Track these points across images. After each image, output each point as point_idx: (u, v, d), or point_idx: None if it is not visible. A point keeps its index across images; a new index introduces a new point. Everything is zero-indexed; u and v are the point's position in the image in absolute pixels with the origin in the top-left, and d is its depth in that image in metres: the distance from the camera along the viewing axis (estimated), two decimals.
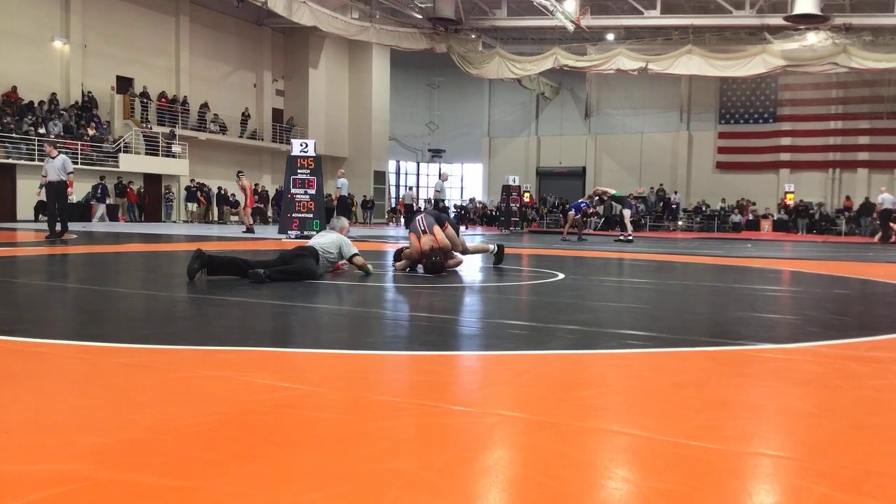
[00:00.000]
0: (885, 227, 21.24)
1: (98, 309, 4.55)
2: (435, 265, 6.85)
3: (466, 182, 43.49)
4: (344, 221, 7.13)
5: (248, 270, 5.91)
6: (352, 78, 36.91)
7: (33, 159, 23.26)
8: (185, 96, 29.97)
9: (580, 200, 19.31)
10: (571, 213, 18.03)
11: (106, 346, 3.24)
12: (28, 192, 23.16)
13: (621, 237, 17.47)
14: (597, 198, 18.75)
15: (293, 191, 14.88)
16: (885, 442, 2.08)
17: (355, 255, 6.65)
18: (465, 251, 7.75)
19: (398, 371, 3.04)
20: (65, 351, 3.14)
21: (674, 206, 33.50)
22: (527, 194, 31.93)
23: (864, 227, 27.98)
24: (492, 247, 8.14)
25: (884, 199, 21.31)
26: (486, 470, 1.77)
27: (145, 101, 28.09)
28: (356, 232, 20.44)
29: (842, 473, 1.79)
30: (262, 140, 33.37)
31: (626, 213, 17.97)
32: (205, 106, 30.72)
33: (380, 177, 37.83)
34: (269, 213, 29.37)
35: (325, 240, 6.67)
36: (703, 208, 33.92)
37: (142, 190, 27.25)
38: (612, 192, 18.02)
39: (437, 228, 7.08)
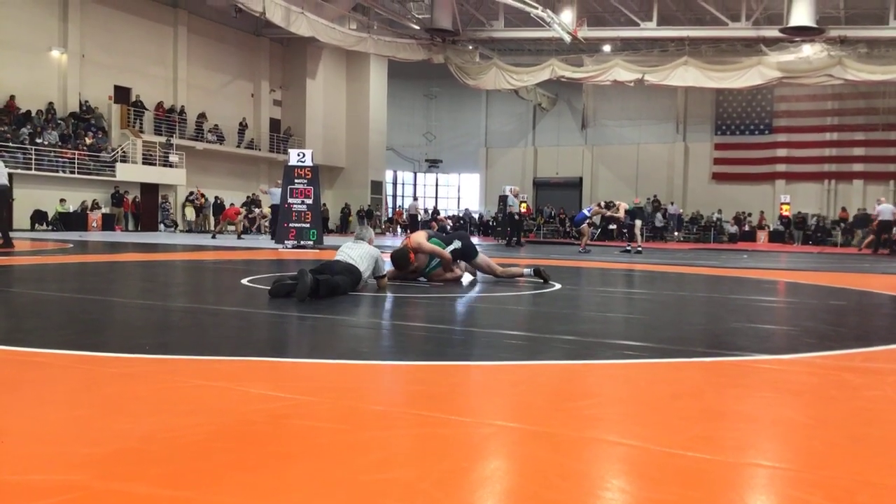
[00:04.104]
0: (878, 237, 21.31)
1: (94, 318, 4.54)
2: (395, 255, 6.94)
3: (463, 192, 43.53)
4: (371, 232, 6.73)
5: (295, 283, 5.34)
6: (349, 88, 37.00)
7: (30, 168, 23.27)
8: (182, 106, 30.02)
9: (582, 211, 19.05)
10: (584, 226, 17.72)
11: (101, 355, 3.23)
12: (24, 202, 23.18)
13: (629, 248, 17.26)
14: (599, 214, 18.57)
15: (290, 200, 14.88)
16: (881, 453, 2.08)
17: (383, 276, 6.28)
18: (495, 273, 7.61)
19: (394, 381, 3.04)
20: (60, 360, 3.13)
21: (676, 217, 33.46)
22: (523, 205, 31.91)
23: (861, 239, 28.06)
24: (526, 270, 7.75)
25: (882, 209, 21.34)
26: (483, 480, 1.77)
27: (139, 109, 28.09)
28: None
29: (837, 484, 1.79)
30: (260, 150, 33.41)
31: (638, 223, 17.70)
32: (202, 115, 30.76)
33: (377, 187, 37.87)
34: (266, 223, 29.37)
35: (360, 251, 6.18)
36: (699, 219, 33.97)
37: (137, 199, 27.27)
38: (626, 206, 17.69)
39: (418, 233, 7.24)
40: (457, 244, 7.32)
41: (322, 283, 5.43)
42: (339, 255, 6.17)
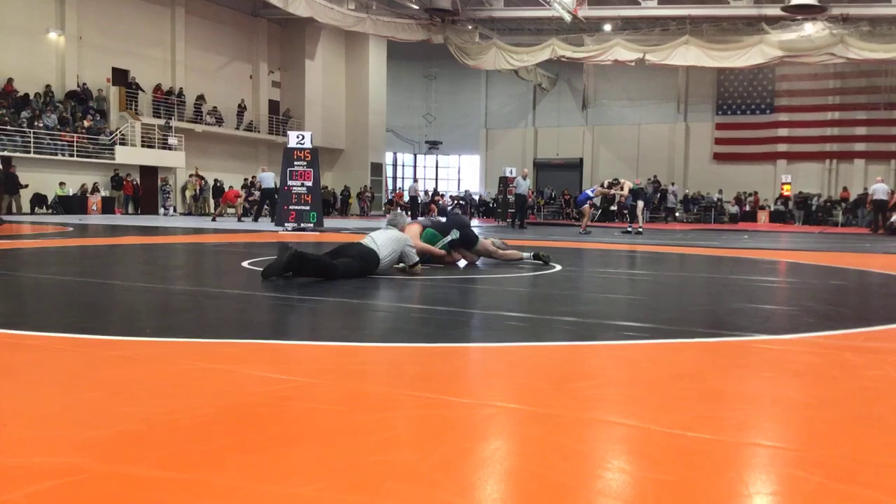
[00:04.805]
0: (875, 217, 21.32)
1: (94, 301, 4.54)
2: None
3: (463, 174, 43.43)
4: (404, 219, 6.49)
5: (330, 271, 5.39)
6: (348, 69, 36.79)
7: (29, 152, 23.20)
8: (180, 88, 29.87)
9: (585, 191, 18.99)
10: (586, 206, 17.69)
11: (102, 338, 3.24)
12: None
13: (630, 229, 17.26)
14: (603, 194, 18.53)
15: (290, 183, 14.85)
16: (881, 432, 2.09)
17: (416, 263, 6.08)
18: (493, 256, 7.43)
19: (395, 363, 3.04)
20: (60, 344, 3.14)
21: (675, 197, 33.35)
22: None
23: (861, 218, 28.05)
24: (525, 255, 7.54)
25: (875, 189, 21.37)
26: (484, 461, 1.77)
27: (136, 91, 27.94)
28: (354, 224, 20.43)
29: (838, 463, 1.79)
30: (259, 132, 33.29)
31: (640, 204, 17.65)
32: (201, 98, 30.62)
33: (377, 168, 37.77)
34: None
35: (386, 237, 5.97)
36: (700, 199, 33.90)
37: (137, 182, 27.20)
38: (630, 184, 17.64)
39: (408, 227, 6.92)
40: (454, 234, 7.07)
41: (308, 260, 5.33)
42: (365, 240, 6.00)
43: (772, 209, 31.60)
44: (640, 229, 17.05)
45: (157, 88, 28.95)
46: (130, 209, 26.79)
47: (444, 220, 7.95)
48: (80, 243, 10.15)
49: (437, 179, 43.35)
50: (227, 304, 4.59)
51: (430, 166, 43.87)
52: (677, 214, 32.85)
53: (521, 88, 38.72)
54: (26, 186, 22.86)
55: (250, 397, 2.30)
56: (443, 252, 7.00)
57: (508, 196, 27.28)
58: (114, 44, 27.33)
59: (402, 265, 6.15)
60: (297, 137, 15.03)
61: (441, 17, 28.71)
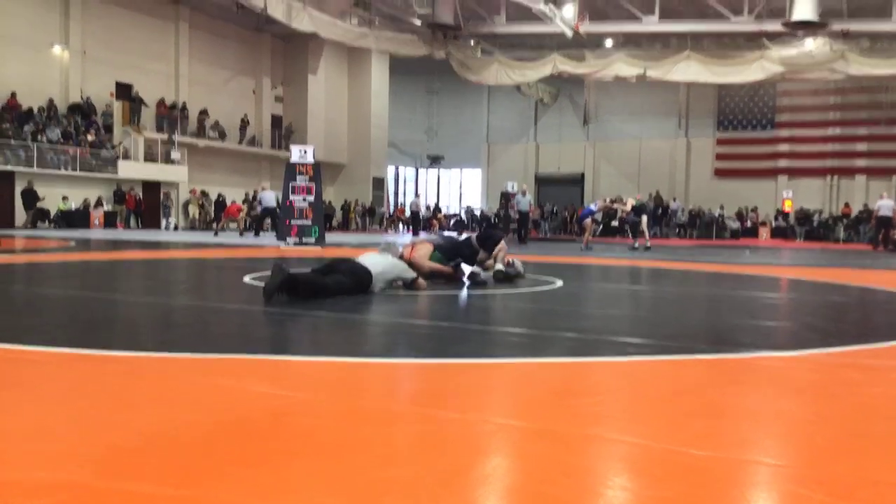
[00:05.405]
0: (877, 233, 21.24)
1: (94, 316, 4.55)
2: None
3: (465, 188, 43.48)
4: (397, 249, 6.50)
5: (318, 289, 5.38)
6: (351, 84, 36.95)
7: (32, 166, 23.27)
8: (184, 102, 29.99)
9: (589, 206, 18.97)
10: (588, 221, 17.65)
11: (102, 353, 3.24)
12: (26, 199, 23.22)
13: (637, 245, 17.22)
14: (605, 209, 18.54)
15: (292, 197, 14.88)
16: (882, 450, 2.08)
17: (415, 278, 6.14)
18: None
19: (396, 378, 3.04)
20: (61, 358, 3.14)
21: (682, 212, 33.35)
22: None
23: (863, 235, 28.02)
24: (499, 266, 7.32)
25: (881, 205, 21.30)
26: (484, 478, 1.77)
27: (136, 104, 28.02)
28: (354, 239, 20.44)
29: (839, 481, 1.79)
30: (261, 147, 33.38)
31: (644, 219, 17.65)
32: (204, 112, 30.73)
33: (378, 183, 37.83)
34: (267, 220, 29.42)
35: (379, 259, 5.99)
36: (702, 215, 33.89)
37: (139, 197, 27.25)
38: (633, 201, 17.68)
39: (420, 245, 6.99)
40: (458, 261, 7.16)
41: (301, 283, 5.29)
42: (360, 257, 6.00)
43: (773, 225, 31.57)
44: (648, 245, 16.98)
45: (161, 103, 29.07)
46: (133, 223, 26.83)
47: (450, 235, 7.90)
48: (83, 258, 10.16)
49: (438, 194, 43.40)
50: (228, 319, 4.59)
51: (431, 181, 43.94)
52: (677, 230, 32.84)
53: (523, 104, 38.84)
54: (43, 199, 23.10)
55: (251, 412, 2.30)
56: (451, 270, 7.05)
57: (510, 211, 27.35)
58: (117, 58, 27.46)
59: (401, 282, 6.16)
60: (300, 152, 15.07)
61: (443, 32, 28.84)
